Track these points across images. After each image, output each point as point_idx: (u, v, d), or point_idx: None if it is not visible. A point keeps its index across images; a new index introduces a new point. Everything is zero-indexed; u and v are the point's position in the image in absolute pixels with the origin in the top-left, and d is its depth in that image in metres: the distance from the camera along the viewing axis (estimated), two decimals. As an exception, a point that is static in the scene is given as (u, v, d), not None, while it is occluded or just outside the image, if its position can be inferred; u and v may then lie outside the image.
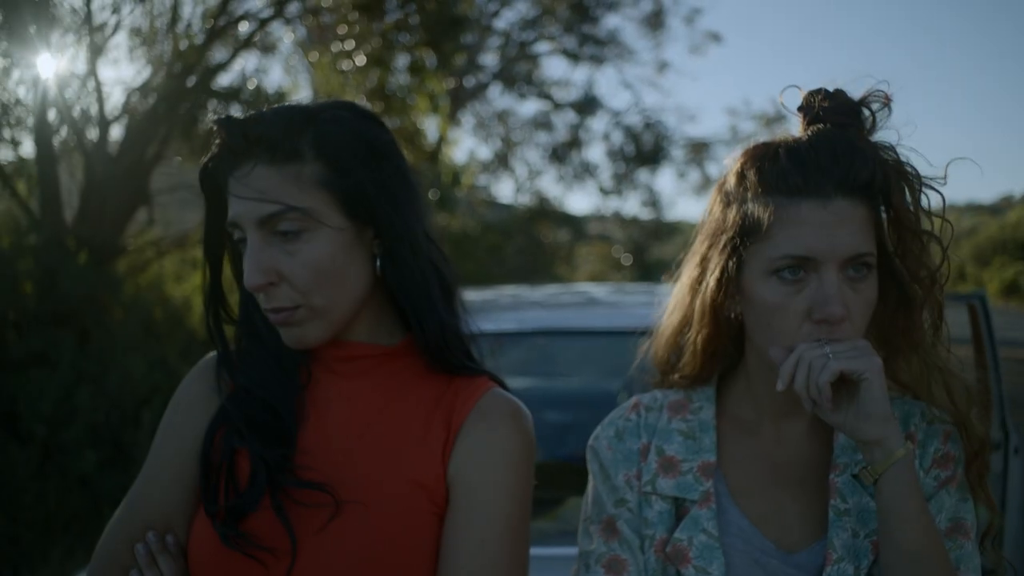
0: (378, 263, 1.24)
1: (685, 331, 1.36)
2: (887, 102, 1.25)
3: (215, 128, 1.19)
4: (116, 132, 6.62)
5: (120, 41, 9.78)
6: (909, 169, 1.23)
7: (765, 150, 1.24)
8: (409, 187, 1.25)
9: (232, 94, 7.12)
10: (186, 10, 6.80)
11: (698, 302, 1.31)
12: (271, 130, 1.17)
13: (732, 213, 1.25)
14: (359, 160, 1.20)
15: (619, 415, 1.40)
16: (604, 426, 1.40)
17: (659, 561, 1.28)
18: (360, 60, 7.70)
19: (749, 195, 1.23)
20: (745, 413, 1.35)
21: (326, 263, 1.18)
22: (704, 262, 1.30)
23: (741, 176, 1.25)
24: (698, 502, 1.29)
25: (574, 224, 21.64)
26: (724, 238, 1.26)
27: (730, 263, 1.25)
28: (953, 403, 1.27)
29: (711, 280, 1.27)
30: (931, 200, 1.24)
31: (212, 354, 1.32)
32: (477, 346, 1.33)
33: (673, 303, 1.38)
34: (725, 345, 1.34)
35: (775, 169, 1.21)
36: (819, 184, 1.18)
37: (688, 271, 1.35)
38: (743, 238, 1.23)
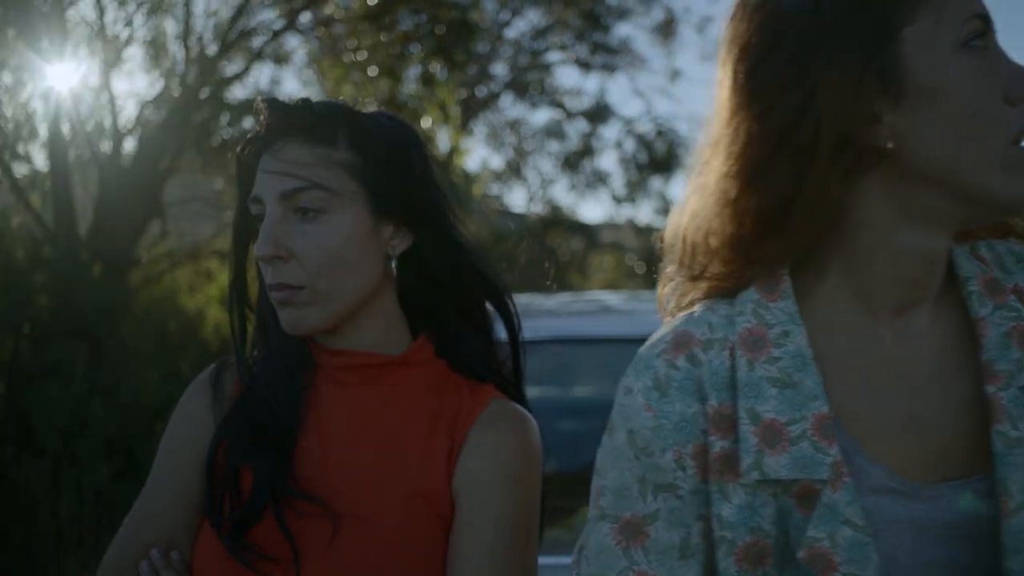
0: (394, 263, 1.25)
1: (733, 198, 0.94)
2: None
3: (259, 106, 1.22)
4: (129, 145, 6.66)
5: (133, 54, 9.85)
6: None
7: None
8: (440, 193, 1.28)
9: (245, 106, 7.14)
10: (199, 22, 6.84)
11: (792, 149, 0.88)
12: (312, 114, 1.21)
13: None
14: (391, 158, 1.23)
15: (656, 352, 0.96)
16: (638, 372, 0.96)
17: (743, 572, 0.92)
18: (372, 71, 7.72)
19: None
20: (841, 315, 0.95)
21: (340, 247, 1.19)
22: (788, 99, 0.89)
23: None
24: (829, 481, 0.89)
25: (587, 233, 21.62)
26: (861, 31, 0.88)
27: (889, 63, 0.88)
28: None
29: (839, 99, 0.87)
30: None
31: (211, 367, 1.32)
32: (494, 354, 1.31)
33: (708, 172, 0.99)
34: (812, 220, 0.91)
35: None
36: None
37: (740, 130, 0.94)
38: (898, 16, 0.88)
